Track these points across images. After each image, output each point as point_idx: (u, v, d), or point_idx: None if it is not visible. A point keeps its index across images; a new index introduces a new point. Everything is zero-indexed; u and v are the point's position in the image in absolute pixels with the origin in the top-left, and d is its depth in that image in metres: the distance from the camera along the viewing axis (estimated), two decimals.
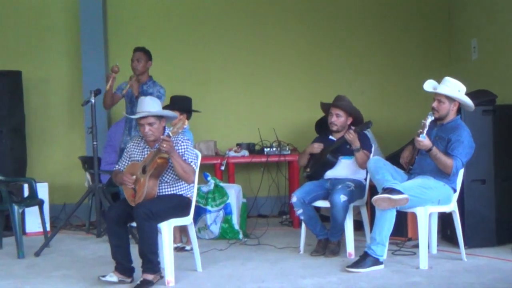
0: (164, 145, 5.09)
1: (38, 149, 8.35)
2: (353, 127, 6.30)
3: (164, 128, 5.42)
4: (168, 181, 5.40)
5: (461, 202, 5.97)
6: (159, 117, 5.38)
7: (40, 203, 6.83)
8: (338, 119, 6.31)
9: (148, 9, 8.53)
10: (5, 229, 7.05)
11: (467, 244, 5.97)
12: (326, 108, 6.46)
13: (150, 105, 5.39)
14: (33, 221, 7.29)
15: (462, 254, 5.79)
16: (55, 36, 8.45)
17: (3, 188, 6.57)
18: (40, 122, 8.38)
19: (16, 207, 6.48)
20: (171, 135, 5.16)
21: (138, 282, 5.16)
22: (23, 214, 7.12)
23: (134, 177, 5.29)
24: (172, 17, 8.52)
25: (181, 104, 6.63)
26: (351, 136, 6.11)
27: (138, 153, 5.48)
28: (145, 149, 5.44)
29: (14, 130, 7.76)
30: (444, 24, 8.48)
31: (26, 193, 7.22)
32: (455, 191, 5.68)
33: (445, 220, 6.29)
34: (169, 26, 8.52)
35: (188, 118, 6.65)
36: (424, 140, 5.40)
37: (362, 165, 6.14)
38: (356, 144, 6.12)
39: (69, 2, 8.37)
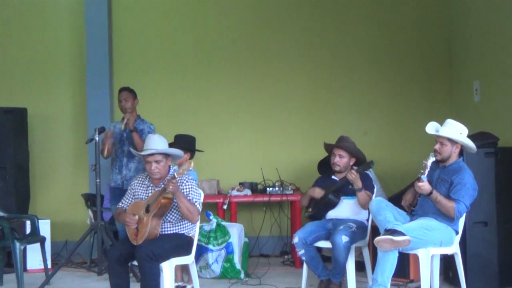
0: (170, 187, 5.11)
1: (41, 186, 8.36)
2: (355, 167, 6.33)
3: (169, 168, 5.45)
4: (171, 220, 5.41)
5: (463, 244, 5.96)
6: (166, 156, 5.42)
7: (42, 240, 6.83)
8: (341, 159, 6.34)
9: (152, 49, 8.60)
10: (6, 265, 7.06)
11: (470, 287, 5.93)
12: (329, 148, 6.49)
13: (158, 143, 5.45)
14: (35, 258, 7.28)
15: None
16: (61, 73, 8.51)
17: (6, 224, 6.58)
18: (44, 159, 8.40)
19: (18, 244, 6.47)
20: (176, 176, 5.19)
21: None
22: (24, 250, 7.11)
23: (137, 217, 5.30)
24: (176, 57, 8.58)
25: (185, 143, 6.67)
26: (353, 176, 6.13)
27: (142, 191, 5.50)
28: (150, 188, 5.47)
29: (18, 166, 7.78)
30: (446, 66, 8.53)
31: (28, 229, 7.22)
32: (457, 233, 5.67)
33: (447, 262, 6.28)
34: (172, 66, 8.57)
35: (191, 157, 6.69)
36: (424, 184, 5.42)
37: (364, 206, 6.15)
38: (358, 184, 6.14)
39: (76, 41, 8.45)
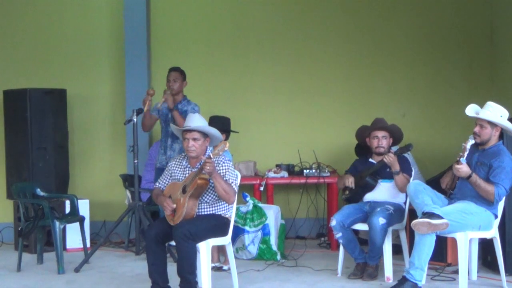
0: (207, 167, 5.13)
1: (80, 166, 8.45)
2: (392, 150, 6.29)
3: (206, 148, 5.47)
4: (208, 201, 5.43)
5: (502, 228, 5.89)
6: (204, 135, 5.44)
7: (81, 220, 6.92)
8: (385, 140, 6.30)
9: (190, 29, 8.60)
10: (46, 244, 7.17)
11: (508, 271, 5.87)
12: (364, 134, 6.44)
13: (198, 122, 5.47)
14: (74, 237, 7.38)
15: (503, 281, 5.70)
16: (100, 55, 8.57)
17: (46, 204, 6.67)
18: (83, 139, 8.48)
19: (57, 223, 6.57)
20: (212, 156, 5.20)
21: None
22: (64, 230, 7.21)
23: (174, 206, 5.32)
24: (213, 37, 8.58)
25: (220, 124, 6.68)
26: (391, 159, 6.09)
27: (180, 172, 5.53)
28: (187, 169, 5.49)
29: (58, 147, 7.87)
30: (487, 48, 8.41)
31: (67, 209, 7.32)
32: (496, 217, 5.61)
33: (485, 246, 6.21)
34: (210, 46, 8.57)
35: (226, 138, 6.69)
36: (463, 167, 5.36)
37: (402, 189, 6.11)
38: (396, 167, 6.10)
39: (114, 23, 8.49)
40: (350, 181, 6.38)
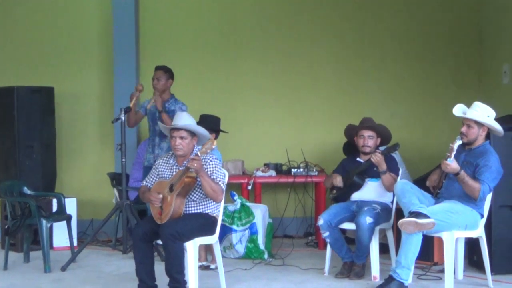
0: (195, 164, 5.13)
1: (68, 165, 8.44)
2: (380, 149, 6.31)
3: (193, 147, 5.47)
4: (195, 199, 5.43)
5: (488, 227, 5.92)
6: (192, 134, 5.44)
7: (68, 218, 6.91)
8: (371, 140, 6.31)
9: (179, 28, 8.59)
10: (33, 243, 7.14)
11: (494, 271, 5.90)
12: (352, 132, 6.46)
13: (186, 120, 5.47)
14: (61, 235, 7.35)
15: (489, 280, 5.73)
16: (88, 53, 8.55)
17: (33, 202, 6.65)
18: (70, 138, 8.46)
19: (44, 222, 6.55)
20: (199, 154, 5.20)
21: None
22: (51, 228, 7.18)
23: (161, 196, 5.32)
24: (203, 36, 8.57)
25: (210, 123, 6.68)
26: (378, 159, 6.10)
27: (167, 171, 5.52)
28: (174, 167, 5.49)
29: (45, 145, 7.85)
30: (475, 49, 8.43)
31: (54, 208, 7.31)
32: (482, 216, 5.63)
33: (472, 245, 6.23)
34: (199, 45, 8.57)
35: (216, 137, 6.70)
36: (451, 164, 5.38)
37: (389, 188, 6.13)
38: (383, 166, 6.11)
39: (103, 20, 8.48)
40: (338, 181, 6.39)
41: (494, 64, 7.97)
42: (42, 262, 6.48)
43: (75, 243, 7.18)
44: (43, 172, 7.79)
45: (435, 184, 5.78)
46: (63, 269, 6.49)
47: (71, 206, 7.41)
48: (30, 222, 6.71)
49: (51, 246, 7.19)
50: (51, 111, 8.00)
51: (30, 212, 6.66)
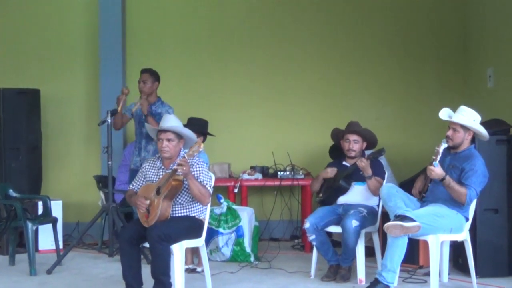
0: (184, 168, 5.13)
1: (54, 167, 8.40)
2: (366, 152, 6.34)
3: (180, 150, 5.48)
4: (182, 202, 5.43)
5: (473, 231, 5.96)
6: (179, 137, 5.44)
7: (54, 221, 6.88)
8: (356, 144, 6.34)
9: (165, 30, 8.59)
10: (18, 245, 7.10)
11: (479, 274, 5.93)
12: (338, 135, 6.49)
13: (173, 122, 5.47)
14: (46, 238, 7.33)
15: (474, 283, 5.75)
16: (74, 55, 8.53)
17: (18, 205, 6.62)
18: (56, 140, 8.43)
19: (30, 224, 6.53)
20: (186, 157, 5.21)
21: None
22: (36, 231, 7.17)
23: (148, 201, 5.32)
24: (190, 38, 8.57)
25: (198, 126, 6.69)
26: (363, 164, 6.13)
27: (153, 174, 5.52)
28: (161, 170, 5.49)
29: (31, 147, 7.82)
30: (460, 53, 8.48)
31: (40, 210, 7.27)
32: (467, 219, 5.67)
33: (457, 248, 6.27)
34: (186, 48, 8.57)
35: (203, 140, 6.70)
36: (436, 169, 5.41)
37: (375, 192, 6.16)
38: (368, 171, 6.14)
39: (89, 23, 8.46)
40: (329, 171, 6.40)
41: (479, 68, 8.02)
42: (27, 265, 6.45)
43: (60, 246, 7.14)
44: (29, 174, 7.77)
45: (420, 189, 5.82)
46: (49, 272, 6.46)
47: (57, 208, 7.38)
48: (15, 224, 6.69)
49: (36, 249, 7.16)
50: (37, 113, 7.97)
51: (16, 215, 6.64)
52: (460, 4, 8.49)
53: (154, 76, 7.13)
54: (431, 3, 8.60)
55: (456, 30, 8.53)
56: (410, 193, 5.80)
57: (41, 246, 7.48)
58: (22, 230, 6.71)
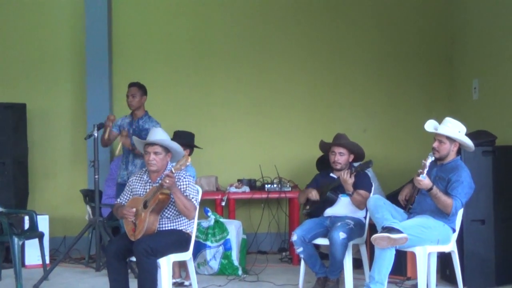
0: (167, 181, 5.13)
1: (40, 181, 8.37)
2: (354, 166, 6.35)
3: (167, 163, 5.47)
4: (169, 216, 5.42)
5: (460, 242, 5.97)
6: (166, 150, 5.44)
7: (40, 236, 6.84)
8: (341, 157, 6.35)
9: (152, 44, 8.59)
10: (4, 261, 7.05)
11: (466, 285, 5.96)
12: (327, 147, 6.51)
13: (161, 135, 5.48)
14: (33, 253, 7.29)
15: None
16: (61, 69, 8.51)
17: (4, 220, 6.59)
18: (43, 154, 8.40)
19: (16, 239, 6.48)
20: (173, 171, 5.21)
21: None
22: (23, 246, 7.12)
23: (134, 209, 5.31)
24: (175, 52, 8.58)
25: (184, 139, 6.69)
26: (345, 176, 6.14)
27: (141, 187, 5.51)
28: (148, 184, 5.48)
29: (17, 162, 7.79)
30: (446, 65, 8.54)
31: (26, 225, 7.23)
32: (454, 231, 5.69)
33: (444, 260, 6.29)
34: (172, 61, 8.57)
35: (190, 153, 6.70)
36: (424, 180, 5.43)
37: (359, 207, 6.19)
38: (349, 188, 6.15)
39: (76, 37, 8.45)
40: (313, 194, 6.41)
41: (464, 80, 8.07)
42: (14, 280, 6.39)
43: (47, 261, 7.09)
44: (15, 189, 7.72)
45: (407, 198, 5.84)
46: (36, 287, 6.42)
47: (43, 223, 7.34)
48: (1, 239, 6.65)
49: (23, 264, 7.13)
50: (23, 127, 7.95)
51: (2, 230, 6.60)
52: (446, 17, 8.55)
53: (142, 89, 7.13)
54: (417, 16, 8.66)
55: (441, 42, 8.59)
56: (397, 204, 5.81)
57: (28, 261, 7.43)
58: (8, 245, 6.66)
